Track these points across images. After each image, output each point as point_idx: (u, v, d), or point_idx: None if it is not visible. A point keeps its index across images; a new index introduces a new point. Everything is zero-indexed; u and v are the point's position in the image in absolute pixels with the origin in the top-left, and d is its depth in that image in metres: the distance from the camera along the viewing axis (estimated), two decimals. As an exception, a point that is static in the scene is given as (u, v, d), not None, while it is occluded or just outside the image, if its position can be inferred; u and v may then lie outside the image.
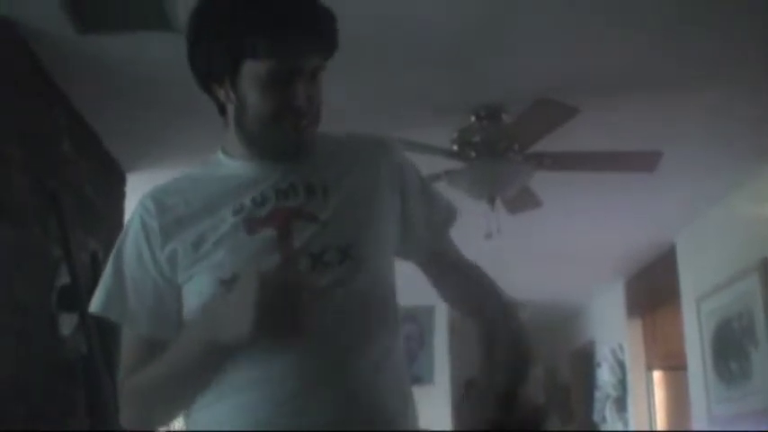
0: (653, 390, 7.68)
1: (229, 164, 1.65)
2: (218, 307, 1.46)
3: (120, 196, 5.05)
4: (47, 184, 3.89)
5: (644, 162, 4.54)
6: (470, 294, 1.83)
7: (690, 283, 6.47)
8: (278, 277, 1.42)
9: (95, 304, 1.65)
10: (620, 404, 8.04)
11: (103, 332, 3.93)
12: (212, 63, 1.56)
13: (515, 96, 4.18)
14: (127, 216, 5.17)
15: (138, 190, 5.12)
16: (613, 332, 8.25)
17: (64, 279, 3.89)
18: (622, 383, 8.00)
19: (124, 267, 1.63)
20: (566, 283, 8.15)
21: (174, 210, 1.61)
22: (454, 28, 3.63)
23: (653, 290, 7.39)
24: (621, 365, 8.03)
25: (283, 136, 1.57)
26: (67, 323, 3.91)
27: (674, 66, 4.04)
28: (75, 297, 3.86)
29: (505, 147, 4.37)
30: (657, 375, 7.70)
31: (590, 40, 3.81)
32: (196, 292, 1.56)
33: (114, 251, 1.66)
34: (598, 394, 8.50)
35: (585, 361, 9.12)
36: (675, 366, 7.14)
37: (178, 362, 1.52)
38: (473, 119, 4.40)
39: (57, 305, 3.86)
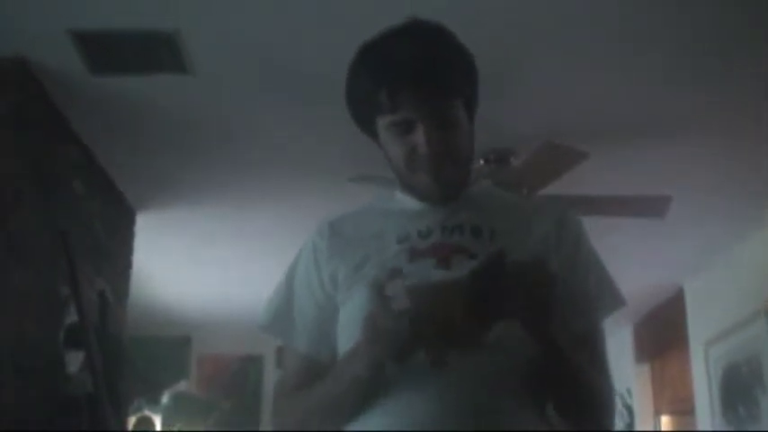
0: (661, 435, 7.63)
1: (402, 198, 1.71)
2: (357, 343, 1.46)
3: (129, 235, 5.07)
4: (57, 224, 3.91)
5: (654, 207, 4.53)
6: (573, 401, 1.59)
7: (698, 327, 6.45)
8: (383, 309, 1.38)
9: (264, 320, 1.71)
10: (628, 449, 7.99)
11: (109, 370, 3.93)
12: (357, 120, 1.67)
13: (524, 140, 4.20)
14: (136, 255, 5.24)
15: (147, 229, 5.20)
16: (621, 377, 8.18)
17: (72, 317, 3.90)
18: (630, 428, 7.94)
19: (294, 286, 1.70)
20: (574, 326, 8.11)
21: (345, 233, 1.69)
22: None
23: (661, 334, 7.36)
24: (629, 410, 7.98)
25: (421, 183, 1.62)
26: (74, 361, 3.91)
27: (684, 111, 4.06)
28: (83, 335, 3.86)
29: (514, 190, 4.38)
30: (665, 420, 7.64)
31: (599, 84, 3.83)
32: (350, 310, 1.58)
33: (287, 270, 1.73)
34: (606, 439, 8.43)
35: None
36: (683, 411, 7.09)
37: (329, 395, 1.53)
38: (482, 162, 4.42)
39: (64, 343, 3.87)
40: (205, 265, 6.23)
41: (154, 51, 3.50)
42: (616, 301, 1.69)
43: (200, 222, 5.32)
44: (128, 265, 5.03)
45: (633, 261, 6.10)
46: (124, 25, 3.36)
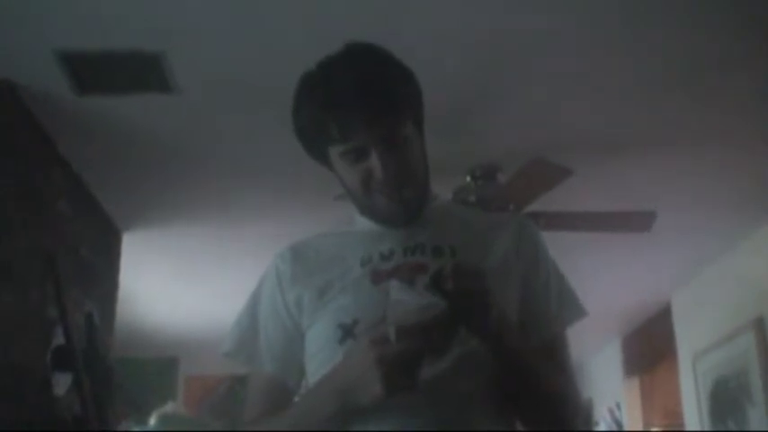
0: (651, 449, 7.62)
1: (362, 221, 1.71)
2: (345, 368, 1.42)
3: (115, 255, 5.05)
4: (44, 246, 3.89)
5: (639, 222, 4.55)
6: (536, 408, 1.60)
7: (686, 341, 6.45)
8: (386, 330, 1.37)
9: (228, 347, 1.70)
10: (619, 464, 7.98)
11: (97, 392, 3.91)
12: (309, 151, 1.65)
13: (511, 157, 4.21)
14: (122, 275, 5.21)
15: (133, 249, 5.18)
16: (611, 391, 8.20)
17: (60, 339, 3.88)
18: (620, 442, 7.95)
19: (259, 311, 1.69)
20: (562, 341, 8.11)
21: (307, 258, 1.69)
22: (451, 90, 3.67)
23: (649, 348, 7.37)
24: (619, 424, 7.98)
25: (380, 207, 1.61)
26: (62, 383, 3.89)
27: (668, 126, 4.08)
28: (70, 357, 3.84)
29: (501, 206, 4.38)
30: (655, 434, 7.65)
31: (585, 100, 3.85)
32: (316, 335, 1.59)
33: (251, 296, 1.73)
34: (596, 454, 8.43)
35: (583, 419, 9.04)
36: (673, 425, 7.09)
37: (303, 421, 1.50)
38: (469, 179, 4.43)
39: (51, 365, 3.85)
40: (192, 285, 6.21)
41: (139, 72, 3.50)
42: (578, 311, 1.72)
43: (187, 242, 5.31)
44: (114, 285, 5.01)
45: (621, 276, 6.13)
46: (110, 46, 3.35)
